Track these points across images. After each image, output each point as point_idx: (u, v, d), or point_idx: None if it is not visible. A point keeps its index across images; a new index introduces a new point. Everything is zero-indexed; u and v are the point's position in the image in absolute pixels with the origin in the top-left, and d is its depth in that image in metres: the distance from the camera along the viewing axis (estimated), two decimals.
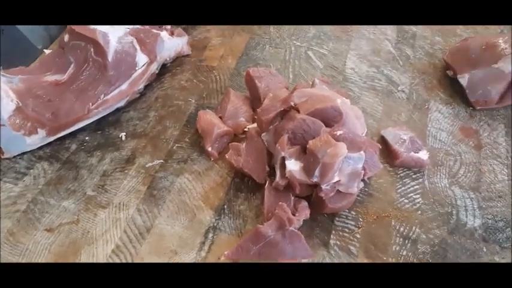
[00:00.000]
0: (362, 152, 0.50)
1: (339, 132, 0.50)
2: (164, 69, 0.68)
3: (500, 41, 0.61)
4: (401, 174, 0.56)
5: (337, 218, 0.52)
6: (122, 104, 0.63)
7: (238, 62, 0.68)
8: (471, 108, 0.63)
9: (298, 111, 0.52)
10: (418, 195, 0.54)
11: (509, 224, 0.52)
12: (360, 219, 0.52)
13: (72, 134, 0.61)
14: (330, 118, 0.52)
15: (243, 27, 0.74)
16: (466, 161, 0.58)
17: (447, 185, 0.55)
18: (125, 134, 0.61)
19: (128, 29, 0.63)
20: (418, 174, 0.56)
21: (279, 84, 0.61)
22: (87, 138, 0.61)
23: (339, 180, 0.50)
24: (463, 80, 0.62)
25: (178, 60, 0.70)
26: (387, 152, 0.57)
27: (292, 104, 0.53)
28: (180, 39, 0.69)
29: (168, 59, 0.68)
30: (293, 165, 0.50)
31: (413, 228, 0.51)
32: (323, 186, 0.49)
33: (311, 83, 0.61)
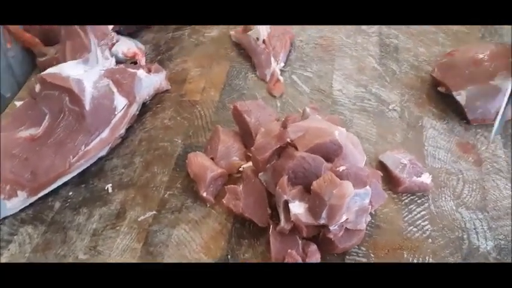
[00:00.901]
0: (368, 187, 0.48)
1: (341, 168, 0.48)
2: (144, 108, 0.65)
3: (488, 55, 0.60)
4: (406, 201, 0.54)
5: (347, 256, 0.50)
6: (104, 152, 0.59)
7: (221, 93, 0.65)
8: (465, 121, 0.62)
9: (296, 148, 0.49)
10: (426, 222, 0.52)
11: None
12: (372, 254, 0.50)
13: (55, 191, 0.56)
14: (329, 152, 0.50)
15: (220, 57, 0.71)
16: (469, 178, 0.56)
17: (454, 208, 0.54)
18: (111, 185, 0.57)
19: (103, 71, 0.60)
20: (423, 199, 0.54)
21: (269, 116, 0.58)
22: (70, 193, 0.57)
23: (347, 219, 0.47)
24: (461, 97, 0.60)
25: (158, 97, 0.66)
26: (388, 179, 0.55)
27: (288, 140, 0.50)
28: (158, 75, 0.65)
29: (147, 97, 0.64)
30: (297, 208, 0.47)
31: (427, 258, 0.49)
32: (331, 228, 0.47)
33: (301, 111, 0.58)
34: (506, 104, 0.57)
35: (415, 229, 0.52)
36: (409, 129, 0.61)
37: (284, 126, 0.53)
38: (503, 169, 0.57)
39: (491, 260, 0.49)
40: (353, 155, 0.51)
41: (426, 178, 0.54)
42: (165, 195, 0.55)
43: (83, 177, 0.58)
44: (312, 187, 0.46)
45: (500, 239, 0.51)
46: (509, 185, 0.56)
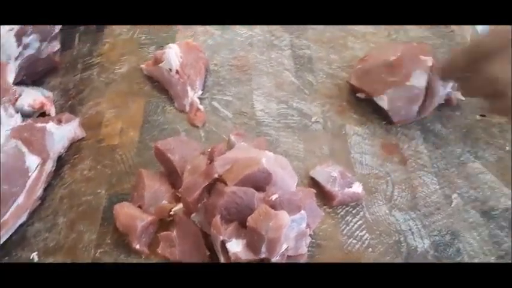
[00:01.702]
0: (303, 211, 0.47)
1: (274, 197, 0.47)
2: (61, 161, 0.61)
3: (399, 56, 0.62)
4: (342, 213, 0.55)
5: None
6: (23, 218, 0.54)
7: (141, 133, 0.63)
8: (385, 122, 0.64)
9: (225, 183, 0.48)
10: (364, 232, 0.53)
11: (455, 235, 0.53)
12: None
13: None
14: (259, 181, 0.49)
15: (134, 93, 0.68)
16: (397, 179, 0.58)
17: (387, 212, 0.55)
18: (36, 253, 0.53)
19: (8, 132, 0.55)
20: (358, 208, 0.55)
21: (194, 151, 0.56)
22: None
23: (288, 247, 0.47)
24: (382, 102, 0.62)
25: (74, 147, 0.62)
26: (322, 194, 0.55)
27: (216, 176, 0.49)
28: (70, 124, 0.62)
29: (62, 150, 0.60)
30: (235, 246, 0.46)
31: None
32: (273, 260, 0.46)
33: (227, 139, 0.57)
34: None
35: (354, 241, 0.52)
36: (334, 139, 0.62)
37: (211, 159, 0.52)
38: (427, 164, 0.59)
39: (430, 258, 0.51)
40: (283, 180, 0.50)
41: (357, 187, 0.55)
42: (96, 254, 0.52)
43: (5, 249, 0.53)
44: (247, 223, 0.45)
45: (434, 235, 0.53)
46: (435, 179, 0.58)
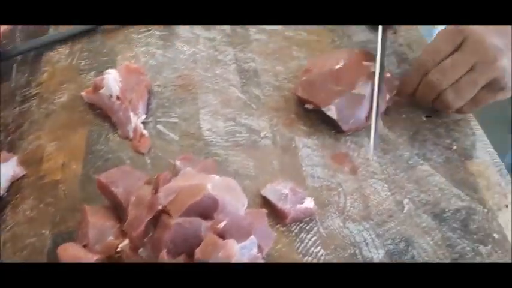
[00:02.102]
0: (252, 237, 0.46)
1: (222, 225, 0.46)
2: (2, 203, 0.58)
3: (343, 65, 0.62)
4: (296, 231, 0.54)
5: None
6: None
7: (84, 165, 0.60)
8: (334, 131, 0.63)
9: (170, 214, 0.46)
10: (319, 248, 0.52)
11: (409, 242, 0.53)
12: None
13: None
14: (206, 209, 0.47)
15: (75, 123, 0.65)
16: (348, 190, 0.57)
17: (341, 224, 0.54)
18: None
19: None
20: (311, 224, 0.54)
21: (138, 181, 0.54)
22: None
23: None
24: (331, 112, 0.61)
25: (15, 186, 0.59)
26: (274, 213, 0.54)
27: (160, 207, 0.47)
28: (8, 163, 0.59)
29: (2, 191, 0.57)
30: None
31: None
32: None
33: (174, 164, 0.55)
34: (375, 118, 0.59)
35: (310, 258, 0.51)
36: (284, 154, 0.61)
37: (156, 189, 0.50)
38: (377, 171, 0.59)
39: None
40: (232, 204, 0.49)
41: (309, 202, 0.54)
42: None
43: None
44: (195, 256, 0.44)
45: (389, 244, 0.52)
46: (386, 185, 0.58)
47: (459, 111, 0.61)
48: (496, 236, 0.53)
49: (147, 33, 0.77)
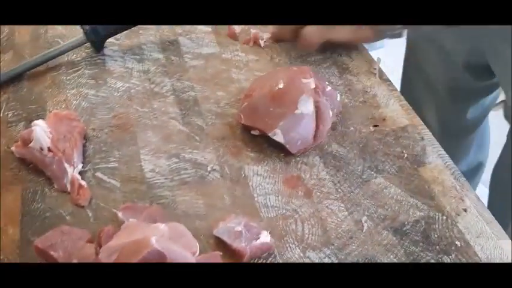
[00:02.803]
0: None
1: None
2: None
3: (283, 85, 0.60)
4: None
5: None
6: None
7: (21, 228, 0.55)
8: (283, 154, 0.61)
9: None
10: None
11: (372, 261, 0.51)
12: None
13: None
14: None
15: (8, 182, 0.60)
16: (305, 215, 0.55)
17: (301, 254, 0.52)
18: None
19: None
20: (270, 258, 0.52)
21: (79, 241, 0.50)
22: None
23: None
24: (278, 136, 0.59)
25: None
26: (230, 253, 0.51)
27: None
28: None
29: None
30: None
31: None
32: None
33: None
34: None
35: None
36: (235, 186, 0.58)
37: (99, 247, 0.46)
38: (331, 191, 0.57)
39: None
40: (180, 254, 0.46)
41: (265, 237, 0.52)
42: None
43: None
44: None
45: None
46: (342, 205, 0.56)
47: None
48: (458, 243, 0.52)
49: (76, 73, 0.73)
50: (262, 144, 0.62)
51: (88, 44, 0.75)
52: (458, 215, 0.54)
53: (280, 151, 0.61)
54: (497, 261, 0.50)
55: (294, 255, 0.52)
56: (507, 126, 0.95)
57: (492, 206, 0.93)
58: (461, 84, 0.92)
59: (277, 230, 0.54)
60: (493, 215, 0.54)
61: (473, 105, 0.97)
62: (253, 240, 0.51)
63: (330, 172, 0.59)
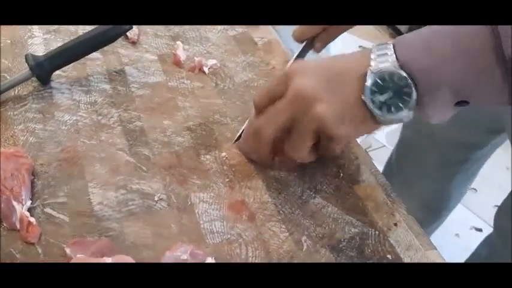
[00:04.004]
0: None
1: None
2: None
3: None
4: None
5: None
6: None
7: None
8: (228, 180, 0.64)
9: None
10: None
11: None
12: None
13: None
14: None
15: None
16: (248, 239, 0.58)
17: None
18: None
19: None
20: None
21: None
22: None
23: None
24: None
25: None
26: None
27: None
28: None
29: None
30: None
31: None
32: None
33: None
34: None
35: None
36: (182, 214, 0.61)
37: None
38: (273, 213, 0.61)
39: None
40: None
41: (210, 261, 0.54)
42: None
43: None
44: None
45: None
46: (283, 226, 0.59)
47: (303, 159, 0.59)
48: (389, 256, 0.56)
49: (23, 108, 0.74)
50: (208, 170, 0.65)
51: (34, 79, 0.76)
52: (389, 229, 0.59)
53: (225, 177, 0.64)
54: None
55: None
56: None
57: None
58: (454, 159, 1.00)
59: (222, 255, 0.56)
60: None
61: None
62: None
63: (272, 195, 0.62)
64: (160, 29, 0.88)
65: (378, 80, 0.49)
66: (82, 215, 0.61)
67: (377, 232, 0.58)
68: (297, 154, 0.56)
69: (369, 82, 0.49)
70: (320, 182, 0.64)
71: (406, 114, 0.50)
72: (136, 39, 0.85)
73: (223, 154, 0.67)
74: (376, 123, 0.52)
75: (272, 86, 0.56)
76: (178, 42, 0.83)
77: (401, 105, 0.50)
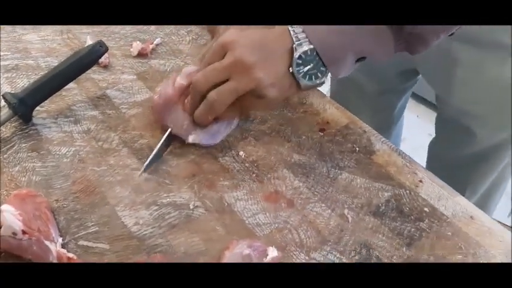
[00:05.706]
0: None
1: None
2: None
3: None
4: None
5: None
6: None
7: None
8: (254, 175, 0.65)
9: None
10: None
11: (368, 246, 0.57)
12: None
13: None
14: None
15: None
16: (295, 223, 0.60)
17: (307, 258, 0.56)
18: None
19: None
20: None
21: None
22: None
23: None
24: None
25: None
26: None
27: None
28: None
29: None
30: None
31: None
32: None
33: None
34: None
35: None
36: (222, 215, 0.61)
37: None
38: (309, 195, 0.63)
39: None
40: None
41: (272, 252, 0.55)
42: None
43: None
44: None
45: (353, 256, 0.56)
46: (323, 205, 0.62)
47: (225, 117, 0.67)
48: (426, 209, 0.61)
49: (12, 150, 0.69)
50: (232, 170, 0.66)
51: (14, 118, 0.71)
52: (417, 186, 0.64)
53: (251, 173, 0.65)
54: (460, 214, 0.60)
55: (301, 260, 0.56)
56: None
57: None
58: (390, 87, 1.07)
59: (277, 243, 0.57)
60: None
61: (398, 102, 1.12)
62: (264, 258, 0.54)
63: (301, 179, 0.65)
64: (127, 49, 0.87)
65: (302, 55, 0.59)
66: (121, 239, 0.58)
67: (407, 191, 0.63)
68: (222, 107, 0.63)
69: (296, 56, 0.59)
70: (340, 159, 0.67)
71: (323, 80, 0.62)
72: (108, 62, 0.83)
73: (241, 153, 0.68)
74: (300, 88, 0.62)
75: (211, 59, 0.63)
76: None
77: (319, 74, 0.61)
